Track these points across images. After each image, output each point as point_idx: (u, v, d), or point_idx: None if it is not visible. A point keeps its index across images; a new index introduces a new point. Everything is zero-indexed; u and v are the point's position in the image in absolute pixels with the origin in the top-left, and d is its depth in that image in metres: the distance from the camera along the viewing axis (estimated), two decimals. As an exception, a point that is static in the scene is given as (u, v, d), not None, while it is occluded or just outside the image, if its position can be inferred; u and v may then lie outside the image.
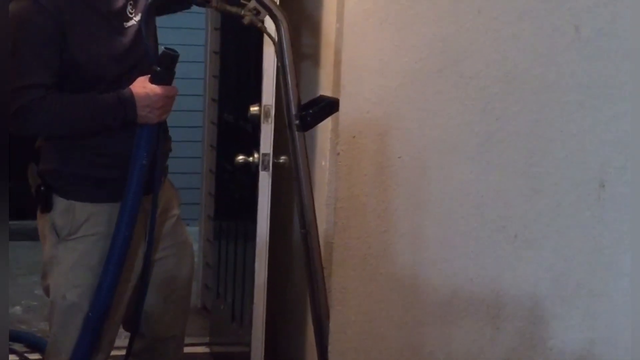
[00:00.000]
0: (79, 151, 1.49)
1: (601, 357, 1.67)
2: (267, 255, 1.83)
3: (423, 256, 1.77)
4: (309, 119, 1.36)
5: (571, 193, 1.68)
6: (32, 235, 1.70)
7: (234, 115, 2.10)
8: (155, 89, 1.40)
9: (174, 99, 1.46)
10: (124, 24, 1.49)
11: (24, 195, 1.56)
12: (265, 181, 1.84)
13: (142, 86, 1.41)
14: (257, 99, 1.81)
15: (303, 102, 1.44)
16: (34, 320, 2.75)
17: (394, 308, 1.79)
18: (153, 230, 1.50)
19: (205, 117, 2.69)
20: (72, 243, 1.49)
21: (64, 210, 1.49)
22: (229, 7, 1.35)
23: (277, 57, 1.34)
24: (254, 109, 1.83)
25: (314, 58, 1.90)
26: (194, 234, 2.82)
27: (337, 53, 1.76)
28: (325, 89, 1.84)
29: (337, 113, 1.77)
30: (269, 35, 1.34)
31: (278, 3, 1.68)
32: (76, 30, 1.42)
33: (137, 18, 1.46)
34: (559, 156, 1.69)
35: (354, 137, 1.76)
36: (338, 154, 1.77)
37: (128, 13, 1.49)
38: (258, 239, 1.82)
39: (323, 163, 1.84)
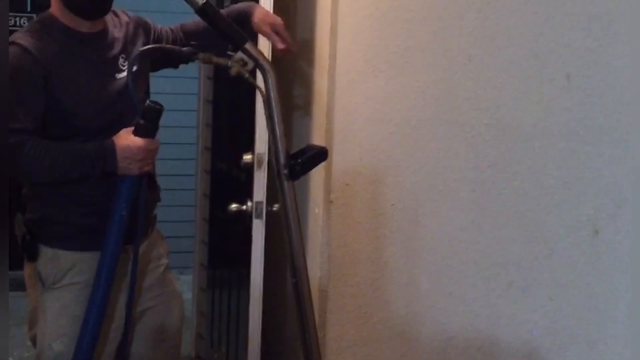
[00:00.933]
0: (62, 199, 1.56)
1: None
2: (262, 303, 1.91)
3: (417, 304, 1.84)
4: (297, 168, 1.43)
5: (565, 239, 1.76)
6: (24, 286, 1.79)
7: (227, 164, 2.21)
8: (137, 141, 1.46)
9: (156, 151, 1.52)
10: (116, 74, 1.57)
11: (14, 245, 1.64)
12: (258, 229, 1.93)
13: (124, 137, 1.47)
14: (250, 147, 1.92)
15: (293, 150, 1.54)
16: None
17: (390, 355, 1.85)
18: (134, 282, 1.58)
19: (198, 165, 2.81)
20: (57, 292, 1.56)
21: (49, 258, 1.56)
22: (215, 59, 1.44)
23: (264, 107, 1.42)
24: (247, 157, 1.94)
25: (306, 106, 2.01)
26: (187, 283, 2.92)
27: (330, 101, 1.87)
28: (318, 137, 1.94)
29: (329, 161, 1.87)
30: (256, 86, 1.44)
31: (269, 56, 1.81)
32: (63, 77, 1.49)
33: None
34: (553, 203, 1.77)
35: (347, 184, 1.86)
36: (331, 201, 1.87)
37: (120, 65, 1.58)
38: (252, 287, 1.90)
39: (316, 210, 1.93)
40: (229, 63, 1.45)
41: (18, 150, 1.45)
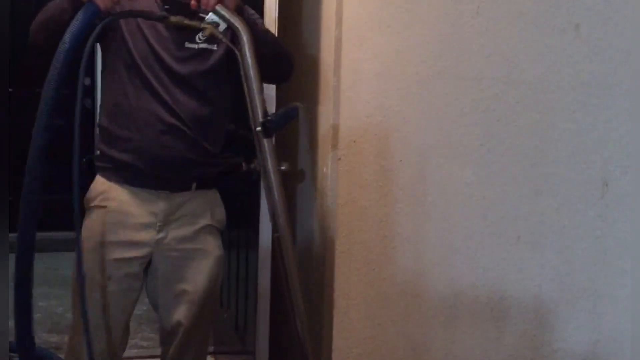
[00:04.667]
0: (107, 137, 2.30)
1: (606, 357, 2.05)
2: (270, 264, 2.36)
3: (425, 260, 2.23)
4: (268, 125, 1.83)
5: (574, 193, 2.10)
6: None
7: (235, 124, 2.69)
8: None
9: None
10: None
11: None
12: (267, 188, 2.38)
13: None
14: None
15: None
16: (36, 331, 3.38)
17: (397, 313, 2.25)
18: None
19: None
20: (89, 212, 2.33)
21: (94, 182, 2.36)
22: (187, 22, 1.88)
23: (241, 67, 1.83)
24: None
25: (314, 64, 2.45)
26: None
27: (337, 58, 2.31)
28: (325, 95, 2.38)
29: (337, 118, 2.31)
30: (231, 46, 1.86)
31: (277, 8, 2.27)
32: None
33: None
34: (561, 156, 2.12)
35: (354, 141, 2.29)
36: (339, 159, 2.30)
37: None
38: (261, 247, 2.35)
39: (324, 169, 2.36)
40: (201, 25, 1.89)
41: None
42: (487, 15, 2.13)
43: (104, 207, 2.21)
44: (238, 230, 2.75)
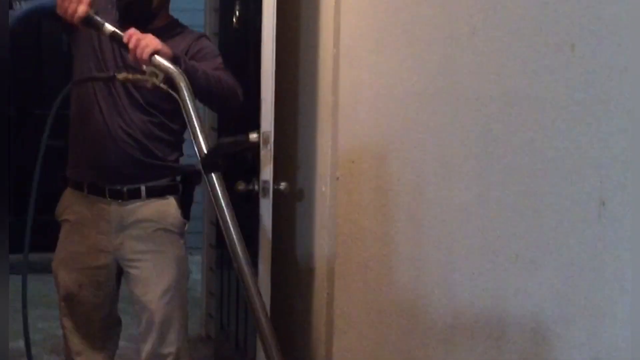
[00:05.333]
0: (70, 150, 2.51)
1: (605, 377, 2.11)
2: (270, 282, 2.43)
3: (424, 279, 2.29)
4: (206, 162, 1.97)
5: (571, 211, 2.17)
6: (35, 268, 2.52)
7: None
8: None
9: None
10: None
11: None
12: (266, 208, 2.44)
13: None
14: (256, 126, 2.45)
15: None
16: (37, 354, 3.47)
17: (397, 332, 2.31)
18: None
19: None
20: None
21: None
22: (132, 77, 2.08)
23: (182, 109, 2.00)
24: (253, 136, 2.48)
25: (312, 84, 2.53)
26: (197, 263, 3.56)
27: (335, 78, 2.39)
28: (324, 114, 2.45)
29: (335, 138, 2.38)
30: (172, 93, 2.02)
31: (274, 27, 2.36)
32: None
33: None
34: (559, 175, 2.18)
35: (352, 161, 2.35)
36: (337, 178, 2.37)
37: None
38: (260, 266, 2.42)
39: (323, 189, 2.43)
40: (146, 77, 2.06)
41: None
42: (484, 35, 2.20)
43: (67, 220, 2.43)
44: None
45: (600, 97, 2.13)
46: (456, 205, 2.22)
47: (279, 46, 2.42)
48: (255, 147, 2.24)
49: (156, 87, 2.04)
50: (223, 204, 1.90)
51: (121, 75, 2.10)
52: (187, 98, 1.94)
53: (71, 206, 2.43)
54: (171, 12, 2.49)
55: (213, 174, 1.93)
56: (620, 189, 2.11)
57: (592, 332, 2.11)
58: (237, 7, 3.03)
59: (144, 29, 2.14)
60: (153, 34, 2.13)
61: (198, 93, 2.05)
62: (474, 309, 2.19)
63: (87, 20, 2.07)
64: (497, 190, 2.19)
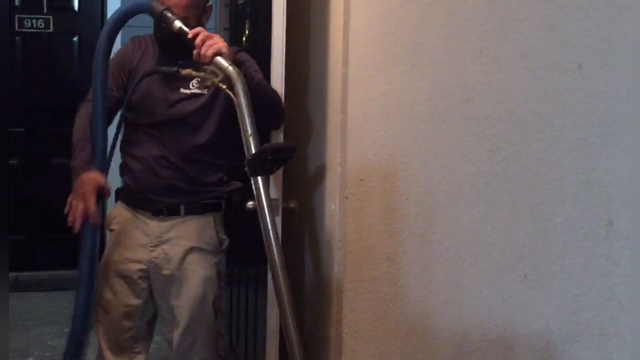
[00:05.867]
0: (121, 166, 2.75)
1: (612, 397, 2.15)
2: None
3: (433, 298, 2.35)
4: (251, 163, 2.04)
5: (579, 231, 2.22)
6: (46, 286, 2.67)
7: (242, 161, 2.84)
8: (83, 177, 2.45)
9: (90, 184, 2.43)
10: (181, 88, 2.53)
11: (36, 247, 2.55)
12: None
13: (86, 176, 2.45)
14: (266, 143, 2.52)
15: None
16: None
17: (406, 351, 2.36)
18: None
19: None
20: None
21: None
22: (195, 73, 2.19)
23: (237, 111, 2.08)
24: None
25: (321, 103, 2.60)
26: None
27: (343, 97, 2.46)
28: (333, 134, 2.52)
29: (344, 157, 2.45)
30: (229, 93, 2.11)
31: (284, 46, 2.43)
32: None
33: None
34: (566, 194, 2.24)
35: (361, 180, 2.42)
36: (346, 197, 2.44)
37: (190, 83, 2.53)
38: (269, 284, 2.50)
39: (332, 207, 2.50)
40: (207, 75, 2.15)
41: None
42: (491, 55, 2.26)
43: (112, 230, 2.62)
44: (247, 266, 2.92)
45: (607, 117, 2.18)
46: (464, 224, 2.27)
47: (289, 65, 2.50)
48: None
49: (214, 85, 2.13)
50: (265, 208, 1.97)
51: (185, 71, 2.24)
52: (242, 98, 2.02)
53: (117, 217, 2.62)
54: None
55: (259, 177, 2.01)
56: (627, 209, 2.16)
57: (600, 351, 2.15)
58: (247, 27, 3.11)
59: (184, 57, 2.29)
60: (190, 51, 2.25)
61: (254, 100, 2.16)
62: (482, 329, 2.24)
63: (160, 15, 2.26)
64: (505, 209, 2.24)
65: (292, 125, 2.57)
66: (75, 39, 5.16)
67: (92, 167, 2.42)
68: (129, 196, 2.61)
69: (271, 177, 2.44)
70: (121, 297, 2.57)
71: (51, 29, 5.12)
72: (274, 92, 2.45)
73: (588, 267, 2.18)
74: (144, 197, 2.56)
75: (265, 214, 2.00)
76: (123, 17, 2.35)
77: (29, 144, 5.04)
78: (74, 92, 5.24)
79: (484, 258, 2.24)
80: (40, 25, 5.07)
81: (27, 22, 5.00)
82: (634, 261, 2.14)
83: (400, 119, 2.31)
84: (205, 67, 2.20)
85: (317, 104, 2.59)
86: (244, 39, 3.24)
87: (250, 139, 2.03)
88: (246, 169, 2.04)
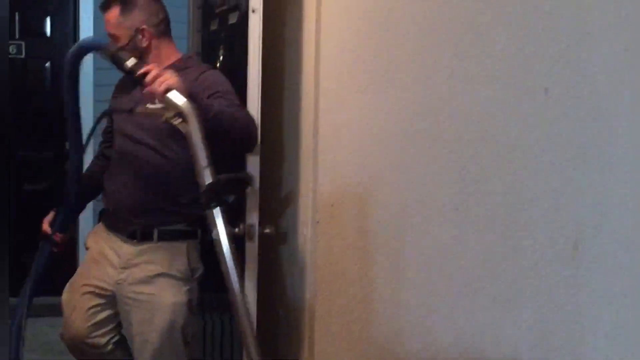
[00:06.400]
0: None
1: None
2: (255, 328, 2.52)
3: (404, 321, 2.38)
4: (206, 196, 2.07)
5: (548, 253, 2.28)
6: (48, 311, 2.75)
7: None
8: None
9: None
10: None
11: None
12: (252, 252, 2.54)
13: None
14: (241, 169, 2.57)
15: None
16: None
17: (377, 375, 2.42)
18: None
19: None
20: None
21: None
22: (150, 108, 2.25)
23: (190, 146, 2.18)
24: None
25: (295, 126, 2.66)
26: None
27: (315, 120, 2.51)
28: (306, 157, 2.58)
29: (315, 181, 2.50)
30: (180, 129, 2.20)
31: (259, 72, 2.50)
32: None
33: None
34: (535, 216, 2.30)
35: (332, 205, 2.45)
36: (317, 222, 2.48)
37: None
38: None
39: (305, 232, 2.56)
40: (161, 110, 2.22)
41: None
42: (461, 77, 2.32)
43: (88, 247, 2.74)
44: (218, 293, 2.96)
45: (574, 140, 2.26)
46: (436, 246, 2.32)
47: (264, 88, 2.55)
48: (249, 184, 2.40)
49: (169, 121, 2.20)
50: (223, 240, 2.02)
51: (140, 109, 2.35)
52: (194, 133, 2.07)
53: (94, 235, 2.72)
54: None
55: (213, 209, 2.05)
56: (593, 230, 2.23)
57: (569, 372, 2.21)
58: (222, 52, 3.17)
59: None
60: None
61: (213, 132, 2.19)
62: (453, 350, 2.29)
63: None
64: (475, 231, 2.30)
65: (268, 149, 2.62)
66: (47, 64, 5.20)
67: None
68: (107, 218, 2.70)
69: (248, 202, 2.49)
70: (79, 314, 2.66)
71: (23, 55, 5.16)
72: (241, 117, 2.44)
73: (557, 289, 2.24)
74: (119, 218, 2.63)
75: (223, 246, 2.05)
76: (77, 55, 2.38)
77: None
78: (45, 117, 5.28)
79: (456, 280, 2.30)
80: (13, 50, 5.12)
81: (-2, 47, 5.05)
82: (601, 283, 2.22)
83: (371, 142, 2.36)
84: (159, 103, 2.26)
85: (291, 128, 2.65)
86: (217, 64, 3.30)
87: (205, 171, 2.08)
88: (201, 201, 2.10)
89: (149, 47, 2.64)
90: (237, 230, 2.54)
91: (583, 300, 2.16)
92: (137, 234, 2.61)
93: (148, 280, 2.58)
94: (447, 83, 2.30)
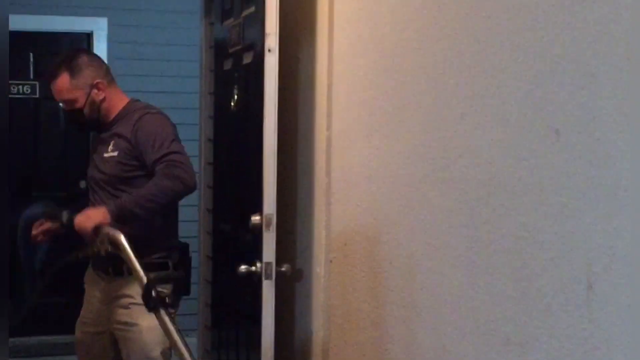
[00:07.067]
0: None
1: None
2: (274, 364, 2.58)
3: (417, 362, 2.45)
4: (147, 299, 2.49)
5: (560, 294, 2.32)
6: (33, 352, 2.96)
7: (230, 225, 2.98)
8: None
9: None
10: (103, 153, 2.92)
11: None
12: (269, 290, 2.61)
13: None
14: (258, 208, 2.66)
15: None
16: None
17: (389, 416, 2.45)
18: None
19: (200, 227, 3.77)
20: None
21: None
22: (89, 252, 2.67)
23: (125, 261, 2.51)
24: (255, 218, 2.68)
25: (309, 166, 2.74)
26: (193, 345, 3.82)
27: (328, 160, 2.60)
28: (318, 196, 2.66)
29: (328, 221, 2.58)
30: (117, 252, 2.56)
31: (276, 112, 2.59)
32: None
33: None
34: (546, 258, 2.34)
35: (345, 244, 2.54)
36: (331, 261, 2.56)
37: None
38: (263, 348, 2.59)
39: (318, 270, 2.62)
40: (97, 247, 2.63)
41: None
42: (471, 120, 2.38)
43: (84, 286, 3.17)
44: (235, 330, 3.03)
45: (584, 182, 2.30)
46: (447, 288, 2.37)
47: (278, 126, 2.63)
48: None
49: (108, 253, 2.63)
50: (176, 338, 2.33)
51: (80, 253, 2.77)
52: (127, 251, 2.55)
53: (86, 277, 3.14)
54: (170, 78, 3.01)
55: (158, 311, 2.33)
56: (607, 272, 2.26)
57: (582, 416, 2.23)
58: (236, 91, 3.27)
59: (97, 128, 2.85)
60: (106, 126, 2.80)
61: (153, 212, 2.78)
62: (466, 393, 2.33)
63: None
64: (486, 273, 2.35)
65: (283, 187, 2.70)
66: (61, 104, 5.32)
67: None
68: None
69: (264, 241, 2.57)
70: (84, 347, 3.13)
71: (37, 95, 5.30)
72: (168, 184, 2.80)
73: (570, 331, 2.27)
74: (94, 258, 2.94)
75: (179, 343, 2.29)
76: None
77: (16, 209, 5.16)
78: (60, 157, 5.39)
79: (467, 322, 2.34)
80: (27, 90, 5.26)
81: (14, 88, 5.19)
82: (616, 325, 2.24)
83: (382, 183, 2.43)
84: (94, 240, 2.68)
85: (305, 169, 2.73)
86: (232, 103, 3.40)
87: (140, 275, 2.49)
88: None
89: (104, 98, 2.98)
90: (254, 268, 2.61)
91: (596, 342, 2.19)
92: (109, 271, 3.02)
93: (125, 311, 2.99)
94: (456, 125, 2.35)
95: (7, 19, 2.10)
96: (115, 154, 2.94)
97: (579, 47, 2.36)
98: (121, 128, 2.93)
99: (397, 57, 2.32)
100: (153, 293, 2.42)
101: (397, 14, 2.44)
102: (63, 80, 2.96)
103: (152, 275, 2.51)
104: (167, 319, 2.40)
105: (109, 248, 2.64)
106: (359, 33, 2.51)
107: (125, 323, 2.97)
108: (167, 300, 2.45)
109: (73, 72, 2.97)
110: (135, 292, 2.83)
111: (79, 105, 2.95)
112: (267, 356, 2.55)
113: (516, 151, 2.33)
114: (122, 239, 2.56)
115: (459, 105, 2.35)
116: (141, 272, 2.49)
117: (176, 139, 2.89)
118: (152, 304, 2.44)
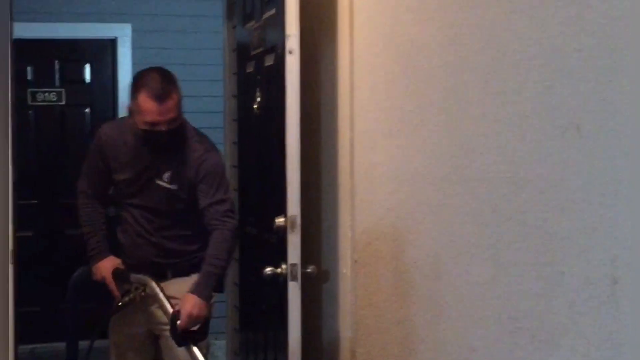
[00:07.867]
0: None
1: None
2: (301, 365, 2.65)
3: (443, 360, 2.51)
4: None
5: (585, 290, 2.35)
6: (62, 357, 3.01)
7: (256, 227, 3.06)
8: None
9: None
10: (155, 179, 3.11)
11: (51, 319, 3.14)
12: (294, 291, 2.68)
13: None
14: (282, 210, 2.73)
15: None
16: None
17: (417, 415, 2.51)
18: None
19: None
20: None
21: None
22: (127, 299, 3.00)
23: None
24: (279, 220, 2.76)
25: (333, 167, 2.81)
26: (222, 348, 3.94)
27: (351, 161, 2.66)
28: (343, 196, 2.73)
29: (353, 221, 2.65)
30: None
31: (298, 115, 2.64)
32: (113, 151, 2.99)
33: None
34: (571, 254, 2.38)
35: (369, 243, 2.60)
36: (356, 261, 2.62)
37: (163, 176, 3.15)
38: (290, 350, 2.66)
39: (344, 271, 2.69)
40: (133, 293, 3.02)
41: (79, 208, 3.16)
42: (492, 117, 2.41)
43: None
44: (263, 333, 3.12)
45: (606, 177, 2.34)
46: (472, 286, 2.40)
47: (301, 128, 2.70)
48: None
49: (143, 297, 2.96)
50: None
51: (123, 300, 3.05)
52: (158, 293, 3.02)
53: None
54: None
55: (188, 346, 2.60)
56: (630, 267, 2.31)
57: (609, 414, 2.27)
58: (258, 93, 3.35)
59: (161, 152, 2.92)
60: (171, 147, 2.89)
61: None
62: (493, 390, 2.38)
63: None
64: (511, 270, 2.39)
65: (307, 189, 2.76)
66: (87, 110, 5.45)
67: (103, 253, 3.12)
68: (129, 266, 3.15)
69: (289, 243, 2.64)
70: (124, 351, 3.26)
71: (63, 102, 5.42)
72: (226, 237, 2.99)
73: (595, 327, 2.30)
74: (134, 267, 3.12)
75: None
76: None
77: (42, 216, 5.28)
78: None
79: (492, 319, 2.38)
80: (53, 98, 5.39)
81: (40, 95, 5.32)
82: (638, 319, 2.28)
83: (404, 182, 2.47)
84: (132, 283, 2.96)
85: (328, 169, 2.78)
86: (255, 106, 3.47)
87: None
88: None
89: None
90: (279, 270, 2.68)
91: (622, 337, 2.23)
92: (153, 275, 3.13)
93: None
94: (478, 123, 2.37)
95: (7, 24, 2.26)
96: (175, 187, 3.07)
97: (599, 42, 2.40)
98: (181, 161, 3.07)
99: (417, 56, 2.37)
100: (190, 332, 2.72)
101: (417, 13, 2.50)
102: (175, 99, 2.97)
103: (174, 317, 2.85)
104: (197, 353, 2.69)
105: (143, 293, 3.00)
106: (378, 32, 2.58)
107: (165, 323, 3.04)
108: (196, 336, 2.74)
109: (179, 91, 3.01)
110: (179, 292, 3.02)
111: (178, 123, 2.97)
112: (294, 358, 2.61)
113: (537, 148, 2.36)
114: (151, 281, 2.98)
115: (480, 104, 2.39)
116: (170, 308, 2.80)
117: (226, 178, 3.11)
118: (181, 340, 2.75)
